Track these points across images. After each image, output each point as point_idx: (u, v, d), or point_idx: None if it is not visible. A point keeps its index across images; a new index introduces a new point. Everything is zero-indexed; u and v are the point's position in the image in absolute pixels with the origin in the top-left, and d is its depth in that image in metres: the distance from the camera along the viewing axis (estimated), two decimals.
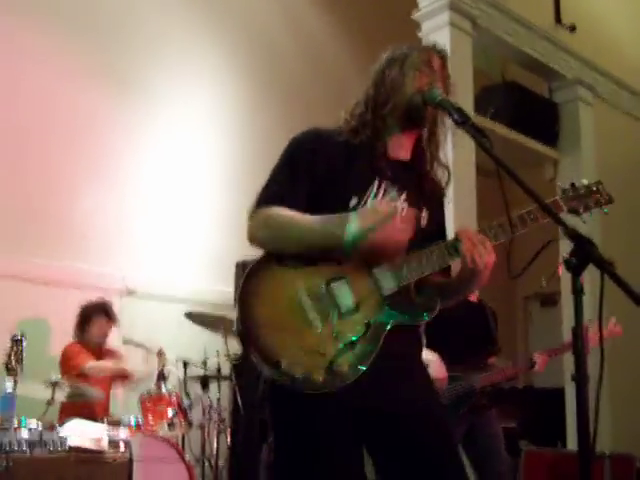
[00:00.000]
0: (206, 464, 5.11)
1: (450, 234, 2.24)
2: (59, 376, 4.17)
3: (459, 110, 1.93)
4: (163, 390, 4.71)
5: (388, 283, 1.96)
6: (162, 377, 4.82)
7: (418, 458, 1.96)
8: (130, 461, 3.76)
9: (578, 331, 1.62)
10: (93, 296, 5.21)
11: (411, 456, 1.96)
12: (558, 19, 7.25)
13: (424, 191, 2.15)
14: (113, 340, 5.20)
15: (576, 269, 1.61)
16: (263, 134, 6.83)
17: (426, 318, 2.00)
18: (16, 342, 3.67)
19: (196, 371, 5.35)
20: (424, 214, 2.14)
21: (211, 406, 5.12)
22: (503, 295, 8.39)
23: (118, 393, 5.26)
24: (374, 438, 1.99)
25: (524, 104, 7.15)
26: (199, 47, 6.81)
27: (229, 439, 5.21)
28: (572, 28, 7.28)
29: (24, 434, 3.69)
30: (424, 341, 2.26)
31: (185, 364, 5.32)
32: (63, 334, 5.11)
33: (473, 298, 4.11)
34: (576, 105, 7.40)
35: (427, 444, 1.98)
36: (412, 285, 2.01)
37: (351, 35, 7.60)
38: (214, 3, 6.93)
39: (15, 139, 5.60)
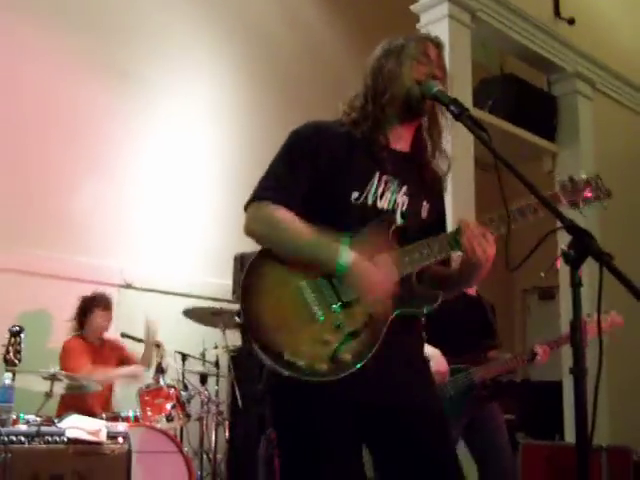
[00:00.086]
0: (204, 457, 5.12)
1: (449, 227, 2.24)
2: (57, 368, 4.17)
3: (455, 102, 1.93)
4: (161, 383, 4.72)
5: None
6: (160, 370, 4.82)
7: (415, 453, 1.96)
8: (129, 453, 3.76)
9: (577, 324, 1.62)
10: (92, 289, 5.21)
11: (407, 450, 1.97)
12: (557, 12, 7.23)
13: (425, 182, 2.15)
14: (111, 333, 5.20)
15: (575, 262, 1.61)
16: (262, 127, 6.82)
17: (428, 309, 2.01)
18: (14, 334, 3.68)
19: (194, 364, 5.35)
20: (425, 204, 2.14)
21: (209, 399, 5.13)
22: (501, 288, 8.40)
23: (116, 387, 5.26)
24: (372, 432, 1.99)
25: (523, 97, 7.14)
26: (198, 40, 6.80)
27: (227, 432, 5.22)
28: (571, 21, 7.26)
29: (22, 426, 3.70)
30: (424, 336, 2.25)
31: (183, 357, 5.33)
32: (63, 327, 5.11)
33: (471, 292, 4.11)
34: (575, 98, 7.38)
35: (424, 438, 1.98)
36: (414, 276, 2.01)
37: (349, 27, 7.59)
38: None
39: (15, 132, 5.59)
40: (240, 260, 5.93)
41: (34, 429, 3.57)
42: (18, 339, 3.67)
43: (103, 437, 3.74)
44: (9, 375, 3.63)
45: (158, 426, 4.47)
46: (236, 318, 4.90)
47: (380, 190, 2.05)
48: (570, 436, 6.38)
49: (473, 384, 3.83)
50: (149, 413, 4.56)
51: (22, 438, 3.48)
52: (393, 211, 2.07)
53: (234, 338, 5.43)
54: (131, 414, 4.52)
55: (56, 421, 3.98)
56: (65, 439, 3.60)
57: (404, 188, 2.09)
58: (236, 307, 5.30)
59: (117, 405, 4.98)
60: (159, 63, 6.42)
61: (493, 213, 2.01)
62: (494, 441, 3.92)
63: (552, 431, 6.66)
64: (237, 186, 6.46)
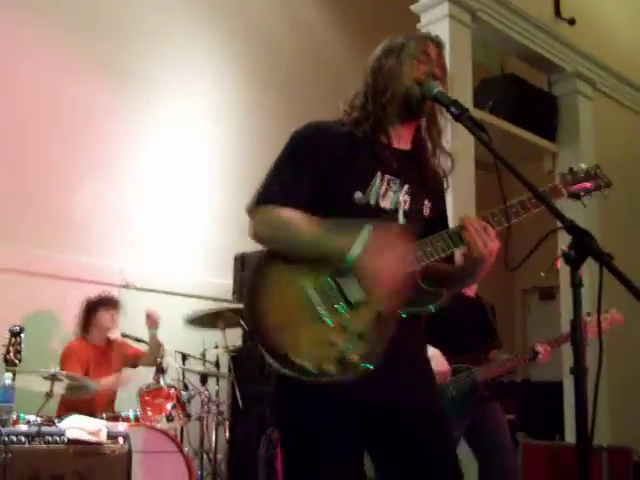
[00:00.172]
0: (205, 457, 5.12)
1: (450, 225, 2.24)
2: (57, 368, 4.17)
3: (455, 103, 1.93)
4: (162, 383, 4.72)
5: None
6: (161, 370, 4.82)
7: (415, 453, 1.96)
8: (129, 453, 3.76)
9: (577, 324, 1.62)
10: (92, 289, 5.21)
11: (408, 450, 1.97)
12: (557, 12, 7.23)
13: (426, 180, 2.15)
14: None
15: (575, 262, 1.61)
16: (262, 127, 6.82)
17: (435, 307, 2.00)
18: (15, 334, 3.68)
19: (195, 364, 5.35)
20: (427, 203, 2.14)
21: (210, 399, 5.12)
22: (501, 288, 8.39)
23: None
24: (374, 432, 1.99)
25: (523, 97, 7.14)
26: (199, 40, 6.80)
27: (227, 432, 5.22)
28: (571, 21, 7.26)
29: (23, 427, 3.70)
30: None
31: (184, 357, 5.32)
32: (63, 327, 5.11)
33: (470, 293, 4.11)
34: (575, 98, 7.38)
35: (425, 439, 1.98)
36: (418, 274, 2.00)
37: (350, 27, 7.59)
38: None
39: (15, 132, 5.59)
40: (241, 260, 5.93)
41: (34, 429, 3.57)
42: (18, 339, 3.68)
43: (103, 437, 3.74)
44: (9, 375, 3.63)
45: (158, 426, 4.47)
46: (241, 321, 4.89)
47: (382, 189, 2.05)
48: (570, 436, 6.37)
49: (475, 384, 3.83)
50: (149, 413, 4.55)
51: (22, 438, 3.48)
52: (395, 210, 2.07)
53: (234, 338, 5.43)
54: (131, 414, 4.52)
55: (56, 421, 3.98)
56: (65, 439, 3.60)
57: (406, 187, 2.09)
58: (236, 306, 5.31)
59: (117, 405, 4.98)
60: (159, 63, 6.42)
61: (494, 208, 2.01)
62: (496, 441, 3.93)
63: (552, 431, 6.66)
64: (237, 186, 6.48)
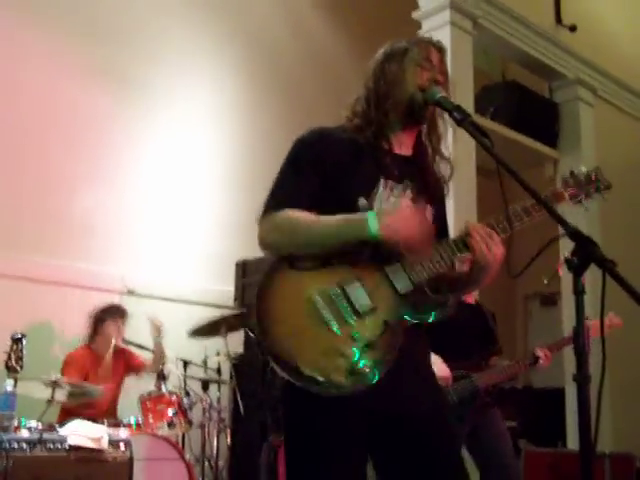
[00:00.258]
0: (206, 464, 5.11)
1: (450, 232, 2.25)
2: (59, 375, 4.16)
3: (458, 108, 1.93)
4: (163, 390, 4.71)
5: (403, 282, 1.95)
6: (162, 377, 4.81)
7: (421, 461, 1.96)
8: (130, 460, 3.75)
9: (579, 330, 1.62)
10: (93, 295, 5.21)
11: (414, 458, 1.96)
12: (558, 19, 7.24)
13: (427, 186, 2.15)
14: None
15: (577, 269, 1.61)
16: (263, 132, 6.84)
17: (445, 314, 2.00)
18: (16, 341, 3.67)
19: (196, 371, 5.35)
20: (430, 209, 2.15)
21: (211, 406, 5.12)
22: (503, 294, 8.40)
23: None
24: (380, 439, 1.98)
25: (524, 104, 7.15)
26: (198, 44, 6.81)
27: (229, 439, 5.21)
28: (572, 28, 7.27)
29: (24, 433, 3.69)
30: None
31: (185, 364, 5.32)
32: (64, 333, 5.10)
33: (470, 300, 4.10)
34: (576, 105, 7.39)
35: (431, 446, 1.97)
36: (425, 282, 2.00)
37: (351, 32, 7.60)
38: (213, 0, 6.93)
39: (15, 137, 5.59)
40: (242, 266, 5.93)
41: (36, 436, 3.57)
42: (20, 346, 3.67)
43: (105, 444, 3.73)
44: (11, 382, 3.63)
45: (160, 433, 4.47)
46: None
47: (385, 196, 2.05)
48: (573, 443, 6.36)
49: (476, 391, 3.82)
50: (151, 420, 4.55)
51: (24, 445, 3.49)
52: None
53: (236, 345, 5.42)
54: (133, 421, 4.51)
55: (58, 428, 3.97)
56: (67, 446, 3.60)
57: (408, 193, 2.09)
58: (238, 312, 5.31)
59: (119, 411, 4.97)
60: (159, 67, 6.43)
61: (498, 215, 2.01)
62: (497, 448, 3.91)
63: (554, 438, 6.65)
64: (238, 191, 6.50)
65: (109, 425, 4.27)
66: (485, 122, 6.55)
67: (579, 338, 1.61)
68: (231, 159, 6.87)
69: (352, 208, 1.99)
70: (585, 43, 7.40)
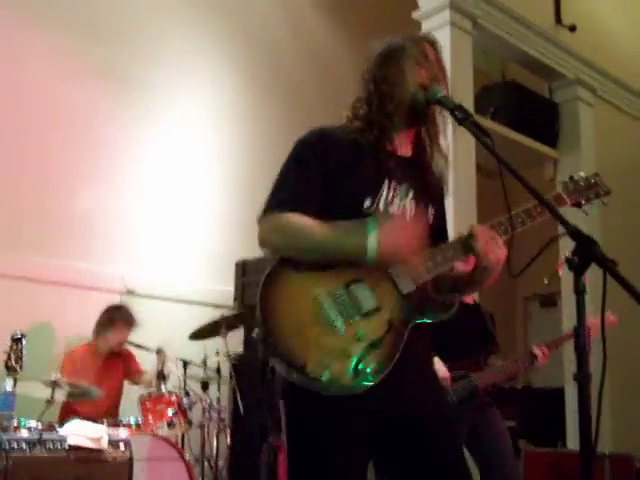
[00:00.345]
0: (206, 463, 5.11)
1: (449, 231, 2.25)
2: (59, 375, 4.16)
3: (460, 107, 1.94)
4: (163, 390, 4.71)
5: (406, 283, 1.96)
6: (162, 377, 4.81)
7: (423, 460, 1.96)
8: (130, 460, 3.75)
9: (580, 330, 1.62)
10: (93, 295, 5.20)
11: (416, 458, 1.96)
12: (558, 19, 7.24)
13: (428, 186, 2.15)
14: None
15: (578, 269, 1.60)
16: (263, 132, 6.84)
17: (448, 315, 2.00)
18: (16, 341, 3.67)
19: (196, 371, 5.34)
20: (431, 209, 2.15)
21: (211, 406, 5.11)
22: (503, 295, 8.40)
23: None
24: (383, 440, 1.98)
25: (524, 104, 7.15)
26: (198, 44, 6.81)
27: (229, 438, 5.21)
28: (572, 28, 7.27)
29: (24, 433, 3.69)
30: None
31: (185, 364, 5.31)
32: (63, 333, 5.10)
33: (469, 300, 4.10)
34: (576, 105, 7.39)
35: (433, 446, 1.97)
36: (429, 283, 2.00)
37: (351, 33, 7.60)
38: (213, 0, 6.93)
39: (15, 137, 5.59)
40: (242, 266, 5.93)
41: (35, 436, 3.56)
42: (19, 345, 3.67)
43: (104, 444, 3.73)
44: (10, 381, 3.63)
45: (160, 433, 4.47)
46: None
47: (390, 197, 2.05)
48: (572, 443, 6.36)
49: (475, 390, 3.82)
50: (150, 420, 4.54)
51: (23, 445, 3.48)
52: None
53: (235, 345, 5.42)
54: (132, 421, 4.50)
55: (57, 427, 3.97)
56: (66, 446, 3.60)
57: (410, 194, 2.09)
58: (237, 312, 5.31)
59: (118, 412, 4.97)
60: (159, 67, 6.42)
61: (501, 216, 2.02)
62: (496, 447, 3.91)
63: (554, 438, 6.65)
64: (238, 192, 6.50)
65: (109, 425, 4.27)
66: (485, 122, 6.55)
67: (580, 338, 1.61)
68: (231, 159, 6.86)
69: (357, 209, 2.00)
70: (585, 43, 7.40)
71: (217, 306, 5.84)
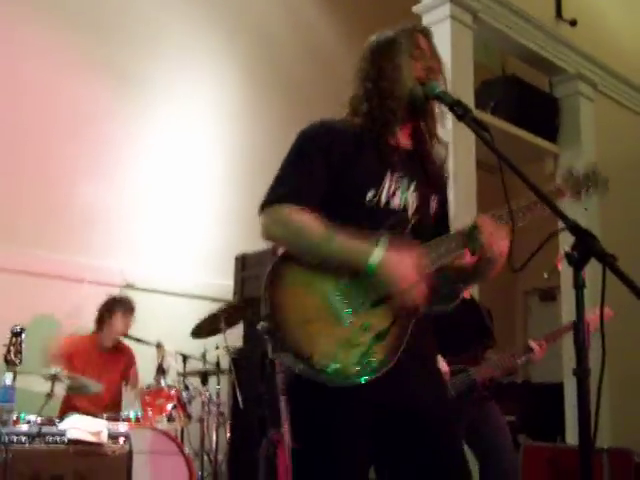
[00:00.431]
0: (205, 457, 5.11)
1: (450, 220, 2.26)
2: (58, 369, 4.17)
3: (459, 103, 1.93)
4: (162, 384, 4.71)
5: None
6: (161, 371, 4.81)
7: (424, 454, 1.96)
8: (129, 454, 3.76)
9: (580, 325, 1.62)
10: (93, 289, 5.20)
11: (416, 455, 1.96)
12: (559, 13, 7.23)
13: (429, 176, 2.15)
14: None
15: (578, 263, 1.60)
16: (263, 127, 6.83)
17: (451, 306, 2.01)
18: (15, 335, 3.68)
19: (195, 365, 5.35)
20: (432, 200, 2.15)
21: (210, 400, 5.12)
22: (502, 290, 8.40)
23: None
24: (386, 432, 1.98)
25: (524, 98, 7.14)
26: (199, 40, 6.80)
27: (228, 432, 5.22)
28: (573, 22, 7.25)
29: (23, 427, 3.69)
30: None
31: (184, 358, 5.32)
32: (63, 327, 5.09)
33: (466, 294, 4.10)
34: (576, 100, 7.38)
35: (434, 445, 1.98)
36: (432, 275, 2.00)
37: (351, 27, 7.57)
38: None
39: (15, 132, 5.59)
40: (242, 260, 5.93)
41: (35, 429, 3.57)
42: (19, 339, 3.67)
43: (104, 438, 3.73)
44: (10, 375, 3.63)
45: (159, 427, 4.47)
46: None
47: (392, 189, 2.05)
48: (571, 438, 6.37)
49: (474, 384, 3.82)
50: (150, 414, 4.55)
51: (23, 438, 3.49)
52: (404, 209, 2.07)
53: (235, 339, 5.42)
54: (132, 415, 4.51)
55: (57, 421, 3.98)
56: (66, 440, 3.61)
57: (413, 185, 2.10)
58: (237, 304, 5.31)
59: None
60: (159, 63, 6.41)
61: (501, 209, 2.01)
62: (495, 441, 3.92)
63: (553, 433, 6.65)
64: (238, 186, 6.50)
65: (108, 419, 4.28)
66: (485, 117, 6.54)
67: (579, 332, 1.61)
68: (231, 153, 6.86)
69: (359, 202, 2.00)
70: (585, 37, 7.39)
71: (217, 300, 5.84)
